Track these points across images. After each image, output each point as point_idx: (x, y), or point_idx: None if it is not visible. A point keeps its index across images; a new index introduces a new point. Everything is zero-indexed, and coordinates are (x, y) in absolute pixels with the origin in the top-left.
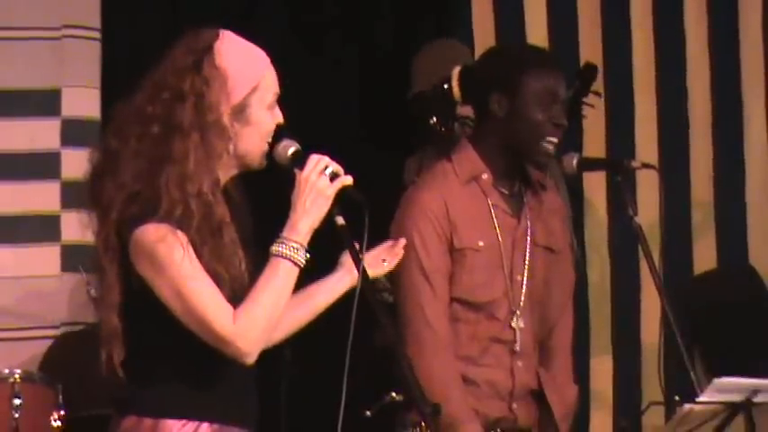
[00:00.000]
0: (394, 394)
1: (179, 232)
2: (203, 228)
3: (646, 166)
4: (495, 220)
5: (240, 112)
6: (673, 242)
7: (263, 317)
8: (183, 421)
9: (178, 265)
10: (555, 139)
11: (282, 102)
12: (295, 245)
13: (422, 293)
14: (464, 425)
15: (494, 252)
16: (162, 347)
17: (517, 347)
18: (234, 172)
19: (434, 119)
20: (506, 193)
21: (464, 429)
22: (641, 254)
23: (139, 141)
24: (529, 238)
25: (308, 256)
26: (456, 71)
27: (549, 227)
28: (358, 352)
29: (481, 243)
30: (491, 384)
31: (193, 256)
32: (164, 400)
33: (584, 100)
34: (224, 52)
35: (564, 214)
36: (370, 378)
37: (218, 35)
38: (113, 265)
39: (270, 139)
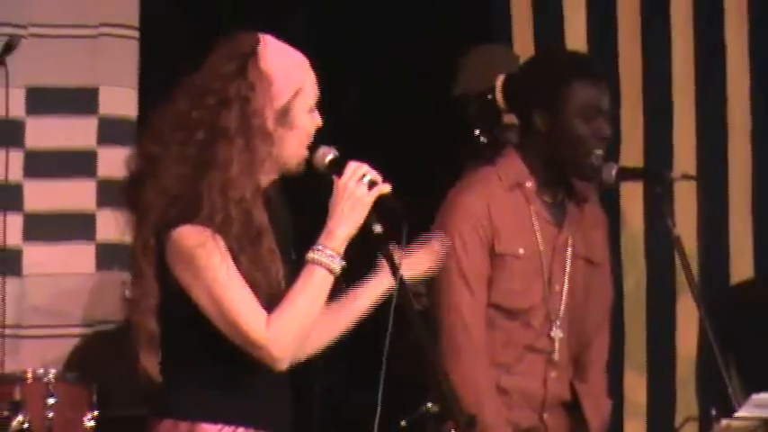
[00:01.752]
0: (430, 405)
1: (218, 237)
2: (242, 234)
3: (685, 177)
4: (536, 228)
5: (284, 116)
6: (710, 252)
7: (297, 323)
8: (220, 425)
9: (215, 269)
10: (600, 152)
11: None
12: (331, 252)
13: (460, 297)
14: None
15: (533, 260)
16: (198, 351)
17: (556, 357)
18: (274, 176)
19: (478, 131)
20: (549, 201)
21: None
22: (677, 264)
23: (183, 146)
24: (570, 249)
25: (343, 263)
26: (500, 80)
27: (589, 239)
28: (393, 361)
29: (522, 250)
30: (523, 394)
31: (230, 261)
32: (199, 404)
33: None
34: (267, 56)
35: (605, 228)
36: (407, 387)
37: (259, 39)
38: (151, 267)
39: (309, 144)
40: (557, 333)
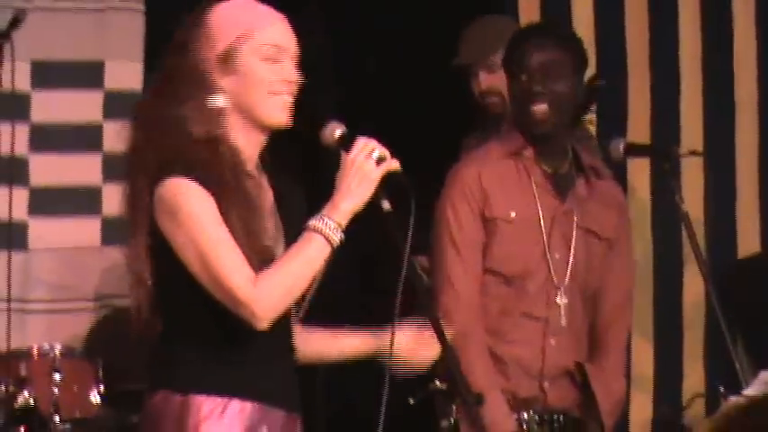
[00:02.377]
0: (437, 382)
1: (204, 190)
2: (229, 192)
3: (692, 153)
4: (533, 195)
5: (225, 60)
6: (717, 227)
7: (285, 285)
8: (213, 397)
9: (201, 219)
10: (539, 107)
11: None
12: (333, 224)
13: (451, 264)
14: (486, 393)
15: (529, 226)
16: (190, 322)
17: (563, 322)
18: (258, 136)
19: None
20: (550, 172)
21: (488, 405)
22: (685, 238)
23: (151, 105)
24: (574, 220)
25: (342, 236)
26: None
27: (600, 215)
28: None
29: (513, 214)
30: (520, 362)
31: (218, 214)
32: (193, 375)
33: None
34: (218, 7)
35: (622, 209)
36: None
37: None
38: (141, 229)
39: (278, 93)
40: (562, 300)
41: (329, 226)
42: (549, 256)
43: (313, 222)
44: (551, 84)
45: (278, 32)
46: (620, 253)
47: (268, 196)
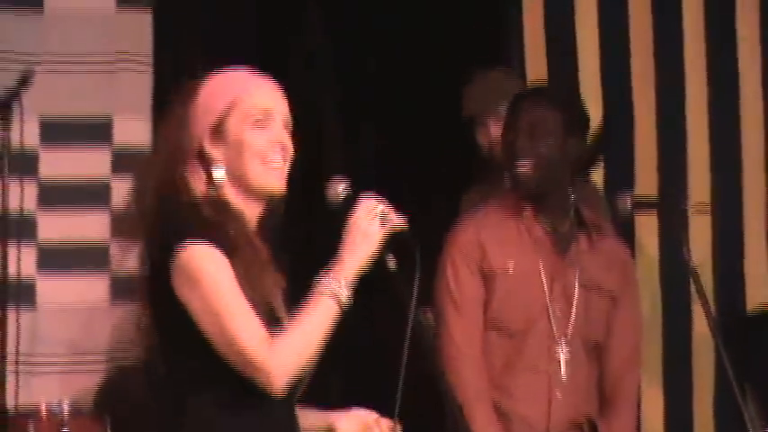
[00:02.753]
0: None
1: (220, 254)
2: (242, 252)
3: (700, 205)
4: (533, 251)
5: (217, 131)
6: (726, 280)
7: (298, 350)
8: None
9: (216, 283)
10: (523, 164)
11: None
12: (339, 285)
13: (452, 321)
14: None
15: (528, 279)
16: (198, 377)
17: (563, 376)
18: (256, 205)
19: None
20: (549, 229)
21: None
22: (693, 291)
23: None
24: (576, 277)
25: (349, 295)
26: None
27: (601, 271)
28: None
29: (511, 267)
30: (525, 419)
31: (233, 276)
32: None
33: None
34: (206, 81)
35: (626, 266)
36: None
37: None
38: (150, 288)
39: (271, 161)
40: (562, 353)
41: (336, 285)
42: (549, 310)
43: (320, 283)
44: (537, 143)
45: (264, 96)
46: (624, 308)
47: (267, 253)
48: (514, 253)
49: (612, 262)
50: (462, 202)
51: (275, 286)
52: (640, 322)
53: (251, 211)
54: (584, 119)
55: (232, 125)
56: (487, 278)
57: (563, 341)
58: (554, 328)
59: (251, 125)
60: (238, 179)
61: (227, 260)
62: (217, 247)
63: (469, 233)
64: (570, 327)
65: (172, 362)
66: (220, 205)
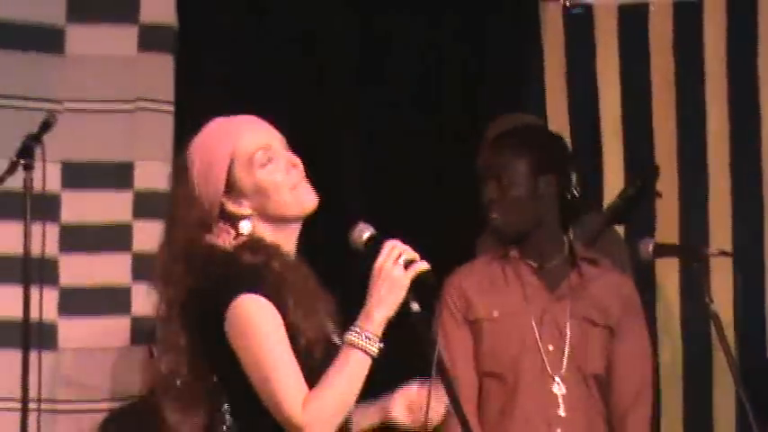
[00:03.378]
0: None
1: (271, 305)
2: (291, 292)
3: (722, 253)
4: (518, 291)
5: (232, 190)
6: (747, 326)
7: (332, 406)
8: None
9: (266, 336)
10: (494, 216)
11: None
12: (369, 335)
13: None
14: None
15: (515, 321)
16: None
17: (561, 413)
18: (294, 229)
19: None
20: (536, 266)
21: None
22: (714, 338)
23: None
24: (568, 311)
25: (381, 346)
26: None
27: (596, 303)
28: None
29: (496, 313)
30: None
31: (282, 329)
32: None
33: (642, 199)
34: (192, 161)
35: (627, 297)
36: None
37: (188, 151)
38: (184, 338)
39: (295, 184)
40: (560, 390)
41: (365, 338)
42: (541, 349)
43: (349, 337)
44: (504, 191)
45: (253, 135)
46: (627, 342)
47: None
48: (498, 297)
49: (611, 295)
50: (477, 246)
51: (327, 309)
52: (647, 356)
53: (289, 239)
54: (560, 153)
55: (243, 177)
56: (473, 327)
57: (558, 377)
58: (547, 366)
59: (260, 167)
60: (276, 218)
61: (276, 308)
62: (266, 294)
63: (453, 285)
64: (564, 361)
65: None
66: (258, 247)
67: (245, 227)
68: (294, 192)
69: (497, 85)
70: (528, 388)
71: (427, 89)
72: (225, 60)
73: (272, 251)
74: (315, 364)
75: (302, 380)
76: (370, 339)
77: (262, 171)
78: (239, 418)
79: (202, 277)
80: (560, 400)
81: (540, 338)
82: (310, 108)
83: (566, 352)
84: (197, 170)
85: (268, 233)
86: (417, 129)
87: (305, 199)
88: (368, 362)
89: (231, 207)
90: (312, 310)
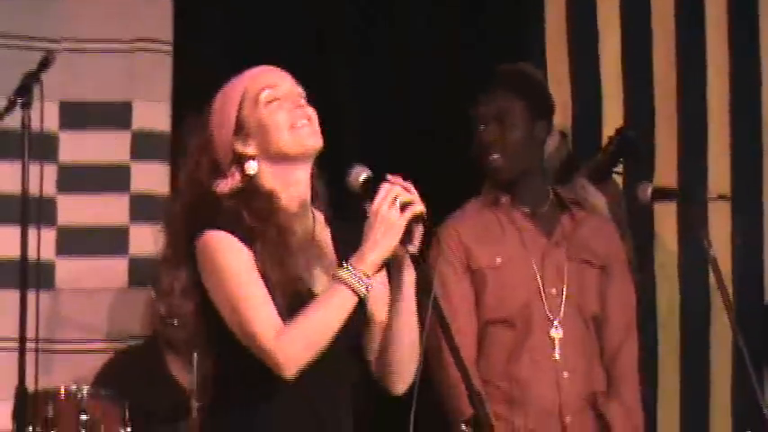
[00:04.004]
0: (464, 427)
1: (238, 240)
2: (262, 236)
3: (720, 197)
4: (517, 237)
5: (240, 130)
6: (745, 271)
7: (308, 336)
8: None
9: (231, 269)
10: (494, 157)
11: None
12: (359, 274)
13: (441, 338)
14: None
15: (518, 267)
16: (237, 370)
17: (556, 356)
18: (302, 171)
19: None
20: (529, 212)
21: None
22: (712, 282)
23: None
24: (564, 254)
25: (370, 286)
26: None
27: (588, 244)
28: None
29: (499, 260)
30: (538, 401)
31: (250, 262)
32: (249, 428)
33: (614, 169)
34: (212, 110)
35: (612, 237)
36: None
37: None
38: (179, 280)
39: (299, 123)
40: (557, 333)
41: (356, 276)
42: (543, 293)
43: (339, 273)
44: (505, 133)
45: (265, 76)
46: (615, 279)
47: (322, 231)
48: (500, 245)
49: (598, 236)
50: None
51: (317, 262)
52: (632, 294)
53: (294, 183)
54: (551, 102)
55: (248, 115)
56: (476, 276)
57: (556, 321)
58: (547, 311)
59: (264, 106)
60: (278, 158)
61: (245, 246)
62: (233, 234)
63: (449, 235)
64: (562, 307)
65: (212, 344)
66: (245, 194)
67: (252, 167)
68: (294, 131)
69: (497, 34)
70: (535, 332)
71: (426, 36)
72: (224, 1)
73: (259, 201)
74: (279, 308)
75: (274, 310)
76: (360, 278)
77: (265, 109)
78: (223, 361)
79: (192, 221)
80: (556, 344)
81: (543, 283)
82: (310, 57)
83: (563, 295)
84: (214, 115)
85: (271, 175)
86: (416, 77)
87: (304, 139)
88: (354, 300)
89: (239, 147)
90: (289, 262)
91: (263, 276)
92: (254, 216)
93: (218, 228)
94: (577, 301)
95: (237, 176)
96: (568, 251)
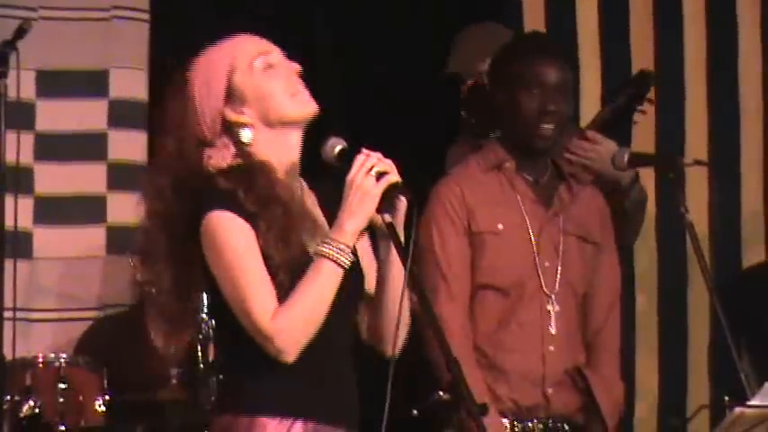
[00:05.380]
0: (441, 393)
1: (242, 220)
2: (265, 212)
3: (698, 162)
4: (519, 205)
5: (232, 98)
6: (722, 237)
7: (302, 316)
8: (278, 419)
9: (232, 250)
10: (549, 126)
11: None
12: (340, 246)
13: (436, 289)
14: None
15: (517, 235)
16: (245, 350)
17: (552, 330)
18: (292, 139)
19: (464, 113)
20: (532, 181)
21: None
22: (689, 249)
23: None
24: (561, 227)
25: (352, 257)
26: (488, 62)
27: (585, 220)
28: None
29: (500, 226)
30: (521, 371)
31: (252, 243)
32: (258, 398)
33: (637, 107)
34: (192, 77)
35: (604, 212)
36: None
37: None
38: (167, 251)
39: (295, 90)
40: (553, 307)
41: (337, 249)
42: (538, 265)
43: (320, 248)
44: (560, 104)
45: (253, 44)
46: (606, 255)
47: (308, 198)
48: (502, 211)
49: (592, 210)
50: (448, 155)
51: (315, 231)
52: (619, 269)
53: (289, 148)
54: None
55: (242, 82)
56: (476, 238)
57: (553, 296)
58: (543, 283)
59: (261, 73)
60: (275, 123)
61: (248, 225)
62: (238, 213)
63: (453, 192)
64: (558, 281)
65: (223, 332)
66: (244, 171)
67: (246, 135)
68: (294, 97)
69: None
70: (526, 303)
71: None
72: None
73: (254, 178)
74: (283, 286)
75: (273, 293)
76: (341, 251)
77: (263, 76)
78: (223, 345)
79: (187, 197)
80: (552, 318)
81: (538, 255)
82: (289, 24)
83: (559, 269)
84: (198, 84)
85: (265, 142)
86: (388, 39)
87: (304, 105)
88: (339, 273)
89: (232, 116)
90: (291, 238)
91: (267, 256)
92: (257, 196)
93: (221, 208)
94: (570, 277)
95: (231, 146)
96: (564, 224)
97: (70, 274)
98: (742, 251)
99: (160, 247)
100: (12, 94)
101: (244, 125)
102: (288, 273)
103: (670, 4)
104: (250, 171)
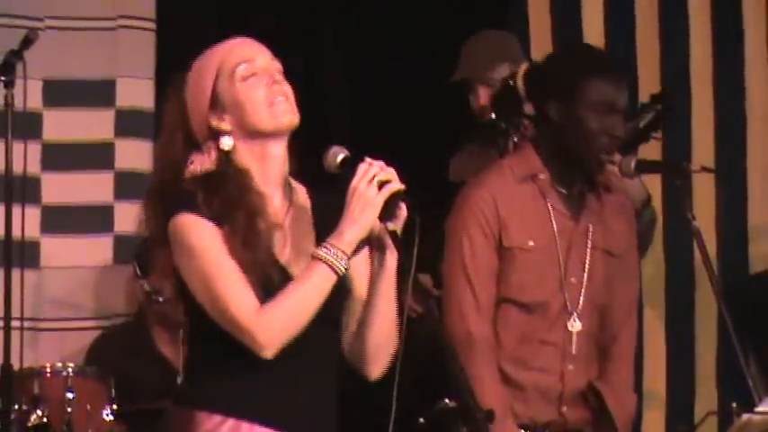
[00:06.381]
0: (447, 401)
1: (210, 223)
2: (233, 218)
3: (704, 169)
4: (550, 219)
5: (215, 104)
6: (729, 243)
7: (287, 314)
8: (214, 414)
9: (203, 251)
10: (611, 151)
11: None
12: (338, 252)
13: (463, 301)
14: (498, 421)
15: (547, 252)
16: (208, 341)
17: (573, 350)
18: (274, 150)
19: (494, 114)
20: (565, 193)
21: (497, 424)
22: (696, 255)
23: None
24: (589, 241)
25: (347, 264)
26: (523, 68)
27: (611, 229)
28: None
29: (531, 242)
30: (539, 389)
31: (220, 244)
32: (203, 394)
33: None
34: (186, 82)
35: (629, 217)
36: (422, 384)
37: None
38: (161, 258)
39: (276, 99)
40: (575, 325)
41: (334, 254)
42: (565, 282)
43: (317, 251)
44: (621, 125)
45: (240, 49)
46: (626, 265)
47: (299, 210)
48: (534, 227)
49: (620, 219)
50: (453, 163)
51: (294, 241)
52: (638, 278)
53: (269, 159)
54: None
55: (224, 90)
56: (506, 252)
57: (575, 314)
58: (567, 302)
59: (241, 81)
60: (253, 133)
61: (216, 229)
62: (203, 216)
63: (486, 201)
64: (582, 298)
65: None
66: (217, 176)
67: (226, 142)
68: (271, 108)
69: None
70: (550, 322)
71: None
72: None
73: (228, 183)
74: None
75: (249, 289)
76: (338, 256)
77: (242, 84)
78: (194, 344)
79: (165, 201)
80: (574, 337)
81: (566, 273)
82: (297, 34)
83: (583, 285)
84: (189, 88)
85: (246, 151)
86: (395, 45)
87: (281, 116)
88: (333, 277)
89: (214, 122)
90: (260, 245)
91: (234, 259)
92: (224, 199)
93: (188, 211)
94: (593, 292)
95: (213, 152)
96: (593, 237)
97: (78, 283)
98: (749, 257)
99: (158, 255)
100: (19, 103)
101: (224, 132)
102: (254, 279)
103: (676, 11)
104: (221, 177)
